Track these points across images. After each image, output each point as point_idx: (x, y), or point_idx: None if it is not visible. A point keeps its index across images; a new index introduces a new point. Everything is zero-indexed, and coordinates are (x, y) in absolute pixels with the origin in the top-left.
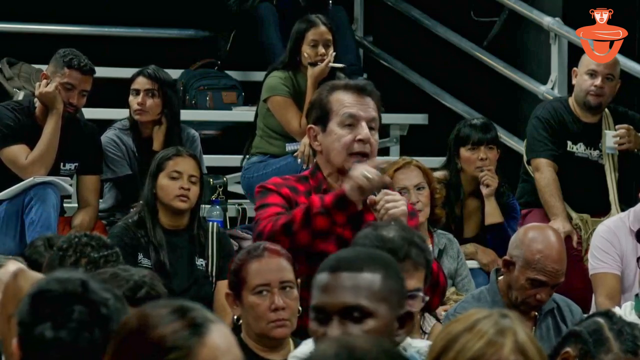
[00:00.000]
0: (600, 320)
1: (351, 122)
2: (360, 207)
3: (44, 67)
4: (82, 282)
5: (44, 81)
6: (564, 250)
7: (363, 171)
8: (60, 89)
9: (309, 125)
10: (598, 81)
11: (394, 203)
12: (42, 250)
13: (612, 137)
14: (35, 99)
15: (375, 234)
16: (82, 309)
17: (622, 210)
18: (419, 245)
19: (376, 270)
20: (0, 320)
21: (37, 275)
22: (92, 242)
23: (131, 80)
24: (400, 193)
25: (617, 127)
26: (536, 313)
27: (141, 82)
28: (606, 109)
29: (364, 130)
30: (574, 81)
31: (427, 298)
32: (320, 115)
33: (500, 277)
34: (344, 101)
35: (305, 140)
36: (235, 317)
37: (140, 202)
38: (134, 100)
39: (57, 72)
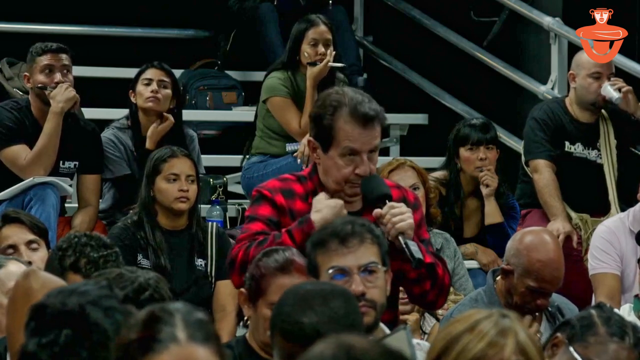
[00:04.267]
0: (591, 310)
1: (352, 153)
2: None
3: None
4: (80, 305)
5: (64, 86)
6: (562, 255)
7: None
8: (43, 77)
9: (309, 138)
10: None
11: (400, 216)
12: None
13: (611, 87)
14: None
15: (324, 226)
16: (69, 334)
17: (622, 209)
18: (361, 224)
19: None
20: (8, 318)
21: (48, 277)
22: (92, 242)
23: (140, 72)
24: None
25: (611, 79)
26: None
27: (154, 73)
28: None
29: (363, 165)
30: (572, 84)
31: (386, 268)
32: (322, 137)
33: (498, 278)
34: (348, 133)
35: (305, 140)
36: (246, 317)
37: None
38: (146, 89)
39: (33, 65)
